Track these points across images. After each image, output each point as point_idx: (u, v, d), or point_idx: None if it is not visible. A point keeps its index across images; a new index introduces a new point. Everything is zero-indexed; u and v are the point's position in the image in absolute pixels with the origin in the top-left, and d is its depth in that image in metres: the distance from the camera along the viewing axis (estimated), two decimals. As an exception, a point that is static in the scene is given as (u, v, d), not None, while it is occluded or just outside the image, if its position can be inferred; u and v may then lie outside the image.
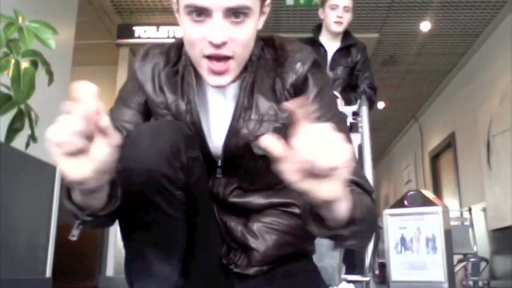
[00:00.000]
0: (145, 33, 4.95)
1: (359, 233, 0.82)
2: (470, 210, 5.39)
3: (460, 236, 5.13)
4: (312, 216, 0.78)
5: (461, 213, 5.58)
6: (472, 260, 4.95)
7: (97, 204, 0.81)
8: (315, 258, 1.21)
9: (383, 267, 7.52)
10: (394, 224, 4.84)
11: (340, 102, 2.34)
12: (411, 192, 4.95)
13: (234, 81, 0.98)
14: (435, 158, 7.40)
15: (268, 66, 1.01)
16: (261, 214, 1.01)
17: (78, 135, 0.65)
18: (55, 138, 0.65)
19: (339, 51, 2.72)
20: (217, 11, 0.87)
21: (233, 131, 0.98)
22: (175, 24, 5.36)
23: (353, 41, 2.76)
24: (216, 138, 1.01)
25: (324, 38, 2.75)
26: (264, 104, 0.98)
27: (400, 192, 7.70)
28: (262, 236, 1.00)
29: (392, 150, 10.00)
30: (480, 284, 4.83)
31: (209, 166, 0.99)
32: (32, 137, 2.02)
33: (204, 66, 0.92)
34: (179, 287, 0.92)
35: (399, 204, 4.94)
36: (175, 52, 1.04)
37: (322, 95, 1.00)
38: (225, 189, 1.01)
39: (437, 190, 7.14)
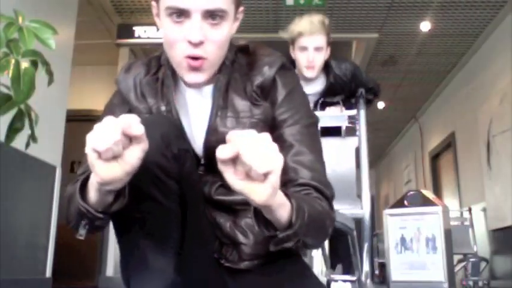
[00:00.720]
0: (145, 33, 4.95)
1: (294, 236, 0.85)
2: (470, 210, 5.39)
3: (460, 236, 5.13)
4: (255, 215, 0.84)
5: (461, 213, 5.58)
6: (472, 260, 4.95)
7: (108, 202, 0.85)
8: None
9: (383, 267, 7.53)
10: (394, 224, 4.84)
11: (340, 108, 2.26)
12: (411, 192, 4.95)
13: (209, 82, 1.04)
14: (435, 158, 7.40)
15: (242, 70, 1.06)
16: (248, 210, 0.99)
17: (116, 144, 0.73)
18: (97, 147, 0.73)
19: (324, 93, 2.30)
20: (196, 12, 0.94)
21: (212, 129, 1.03)
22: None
23: (337, 72, 2.30)
24: (198, 138, 1.05)
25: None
26: (239, 103, 1.04)
27: (400, 192, 7.69)
28: (250, 230, 1.02)
29: (393, 150, 10.00)
30: (480, 284, 4.83)
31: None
32: (32, 137, 2.02)
33: (183, 65, 0.98)
34: (175, 280, 0.93)
35: (399, 204, 4.94)
36: (156, 62, 1.10)
37: (291, 97, 1.06)
38: (210, 187, 1.04)
39: (437, 190, 7.14)
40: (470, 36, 5.37)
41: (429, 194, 5.00)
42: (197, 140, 1.05)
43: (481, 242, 5.27)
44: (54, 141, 3.57)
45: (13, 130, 1.95)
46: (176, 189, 0.92)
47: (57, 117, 3.66)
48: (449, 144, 6.64)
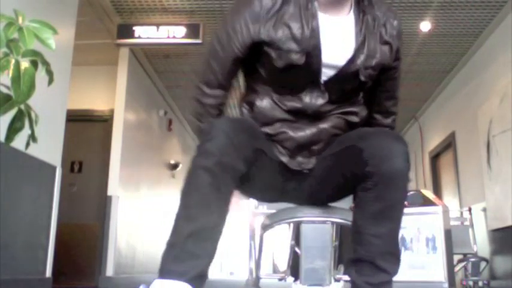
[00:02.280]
0: (145, 33, 4.95)
1: None
2: (470, 210, 5.39)
3: (460, 236, 5.12)
4: None
5: (461, 213, 5.58)
6: (472, 260, 4.95)
7: None
8: (306, 260, 1.42)
9: (383, 267, 7.33)
10: (394, 224, 4.83)
11: None
12: (411, 192, 4.94)
13: (343, 13, 1.32)
14: (435, 158, 7.40)
15: (371, 17, 1.34)
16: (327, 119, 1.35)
17: None
18: None
19: None
20: None
21: (351, 60, 1.29)
22: (175, 24, 5.33)
23: None
24: (327, 59, 1.29)
25: None
26: (371, 43, 1.32)
27: (400, 192, 7.67)
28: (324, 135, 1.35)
29: (392, 150, 10.00)
30: (480, 284, 4.83)
31: (313, 80, 1.30)
32: (32, 137, 2.02)
33: None
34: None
35: (399, 204, 4.92)
36: None
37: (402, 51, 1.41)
38: (317, 100, 1.32)
39: (437, 190, 7.14)
40: (470, 36, 5.36)
41: (429, 194, 5.00)
42: (326, 60, 1.29)
43: (481, 242, 5.27)
44: (54, 141, 3.57)
45: (13, 130, 1.95)
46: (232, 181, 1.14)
47: (57, 117, 3.66)
48: (449, 144, 6.64)
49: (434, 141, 7.33)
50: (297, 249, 1.48)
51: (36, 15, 2.00)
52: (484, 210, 5.33)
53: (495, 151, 5.05)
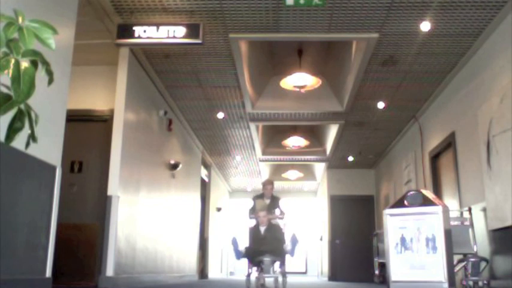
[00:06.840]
0: (145, 33, 4.95)
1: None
2: (470, 210, 5.39)
3: (460, 236, 5.13)
4: None
5: (461, 213, 5.58)
6: (472, 260, 4.95)
7: None
8: (266, 268, 5.67)
9: (383, 267, 7.53)
10: (394, 224, 4.84)
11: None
12: (411, 192, 4.95)
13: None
14: (435, 158, 7.40)
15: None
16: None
17: None
18: None
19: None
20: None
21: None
22: (175, 24, 5.33)
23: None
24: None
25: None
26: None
27: (400, 192, 7.69)
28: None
29: (392, 150, 10.00)
30: (480, 284, 4.83)
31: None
32: (32, 137, 2.01)
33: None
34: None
35: (399, 204, 4.93)
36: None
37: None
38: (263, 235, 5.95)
39: (437, 190, 7.14)
40: (470, 36, 5.37)
41: (429, 194, 5.00)
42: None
43: (481, 242, 5.27)
44: (54, 141, 3.57)
45: (13, 130, 1.94)
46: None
47: (57, 117, 3.66)
48: (449, 144, 6.64)
49: (434, 141, 7.33)
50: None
51: (36, 15, 2.00)
52: (484, 210, 5.33)
53: (495, 151, 5.05)
